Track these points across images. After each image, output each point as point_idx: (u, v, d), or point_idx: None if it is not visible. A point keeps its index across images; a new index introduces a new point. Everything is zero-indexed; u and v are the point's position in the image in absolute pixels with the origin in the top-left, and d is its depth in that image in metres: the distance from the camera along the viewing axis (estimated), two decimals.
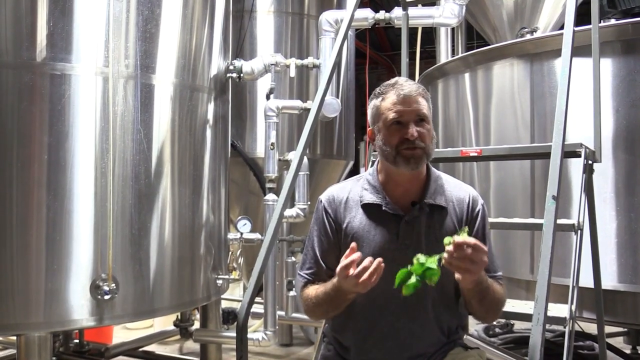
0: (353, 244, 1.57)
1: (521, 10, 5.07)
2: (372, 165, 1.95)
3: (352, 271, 1.52)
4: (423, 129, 1.69)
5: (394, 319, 1.73)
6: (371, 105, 1.78)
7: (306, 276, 1.82)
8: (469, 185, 1.90)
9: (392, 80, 1.77)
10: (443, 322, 1.78)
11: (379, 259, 1.52)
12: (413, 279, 1.48)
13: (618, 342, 4.09)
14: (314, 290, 1.76)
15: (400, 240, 1.72)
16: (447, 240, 1.50)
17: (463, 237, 1.46)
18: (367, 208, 1.77)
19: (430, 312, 1.75)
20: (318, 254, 1.81)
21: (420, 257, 1.50)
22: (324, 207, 1.82)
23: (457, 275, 1.52)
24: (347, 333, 1.81)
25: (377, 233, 1.74)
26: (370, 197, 1.78)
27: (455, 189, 1.82)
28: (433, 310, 1.75)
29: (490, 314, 1.74)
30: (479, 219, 1.78)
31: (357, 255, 1.53)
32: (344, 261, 1.54)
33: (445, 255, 1.47)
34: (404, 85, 1.72)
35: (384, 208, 1.75)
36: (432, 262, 1.48)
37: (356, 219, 1.77)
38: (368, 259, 1.52)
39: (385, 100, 1.72)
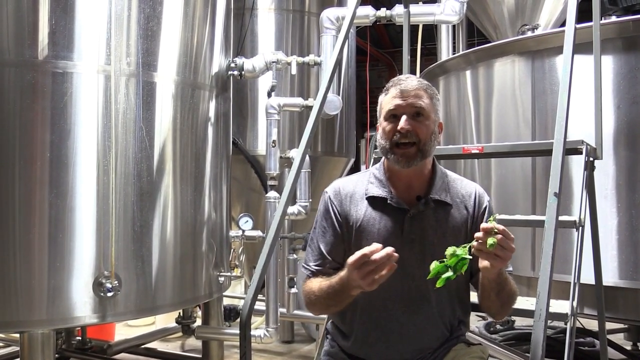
0: (376, 245, 1.48)
1: (522, 7, 5.07)
2: (373, 163, 1.95)
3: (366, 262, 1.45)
4: (419, 123, 1.70)
5: (398, 313, 1.74)
6: (379, 100, 1.82)
7: (311, 269, 1.80)
8: (475, 182, 1.90)
9: (397, 77, 1.81)
10: (446, 317, 1.79)
11: (391, 250, 1.45)
12: (450, 273, 1.47)
13: (619, 338, 4.09)
14: (317, 283, 1.73)
15: (405, 235, 1.73)
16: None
17: (492, 223, 1.46)
18: (372, 201, 1.78)
19: (434, 306, 1.76)
20: (323, 247, 1.79)
21: (451, 249, 1.49)
22: (330, 199, 1.82)
23: (483, 264, 1.52)
24: (351, 326, 1.81)
25: (381, 227, 1.74)
26: (376, 190, 1.78)
27: (461, 186, 1.83)
28: (436, 305, 1.76)
29: (505, 307, 1.74)
30: (486, 215, 1.79)
31: (376, 246, 1.46)
32: (359, 252, 1.47)
33: (474, 243, 1.47)
34: (403, 80, 1.76)
35: (389, 202, 1.75)
36: (463, 252, 1.47)
37: (361, 212, 1.77)
38: (385, 250, 1.44)
39: (386, 96, 1.76)
